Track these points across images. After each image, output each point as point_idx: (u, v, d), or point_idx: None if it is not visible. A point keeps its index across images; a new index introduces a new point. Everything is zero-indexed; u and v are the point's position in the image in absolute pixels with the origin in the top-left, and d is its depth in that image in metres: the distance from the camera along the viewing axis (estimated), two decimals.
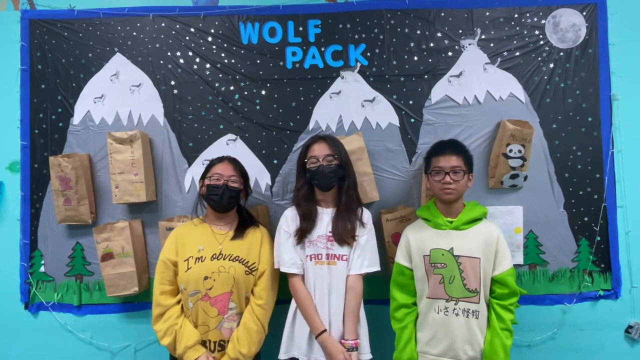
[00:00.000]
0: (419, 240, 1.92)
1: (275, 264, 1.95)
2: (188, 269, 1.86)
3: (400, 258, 1.96)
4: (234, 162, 2.02)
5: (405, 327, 1.89)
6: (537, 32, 2.34)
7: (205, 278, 1.84)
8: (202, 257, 1.88)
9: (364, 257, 1.94)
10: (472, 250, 1.84)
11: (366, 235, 1.96)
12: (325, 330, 1.85)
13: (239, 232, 1.97)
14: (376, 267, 1.96)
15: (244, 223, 2.02)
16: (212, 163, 2.01)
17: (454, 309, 1.83)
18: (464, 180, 1.88)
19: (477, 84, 2.33)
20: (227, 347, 1.84)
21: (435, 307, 1.85)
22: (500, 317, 1.82)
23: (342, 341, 1.84)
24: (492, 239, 1.86)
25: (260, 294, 1.91)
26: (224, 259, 1.88)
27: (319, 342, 1.85)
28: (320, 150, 1.96)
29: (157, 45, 2.37)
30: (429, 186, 1.98)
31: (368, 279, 1.98)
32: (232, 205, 1.98)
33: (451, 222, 1.89)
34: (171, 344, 1.82)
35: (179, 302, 1.89)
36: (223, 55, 2.37)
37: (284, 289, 1.99)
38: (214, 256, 1.88)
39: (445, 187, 1.85)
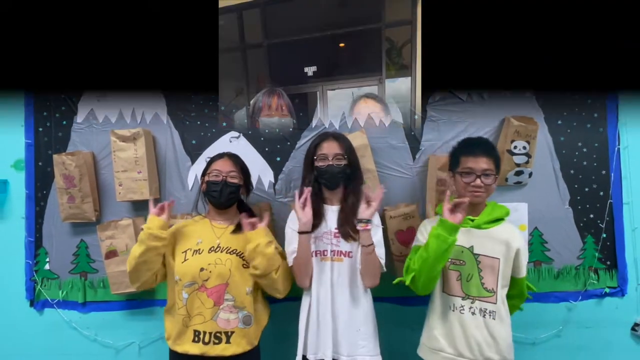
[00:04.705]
0: None
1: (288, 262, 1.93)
2: (185, 260, 1.86)
3: (422, 240, 1.83)
4: (234, 158, 2.01)
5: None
6: None
7: (202, 270, 1.84)
8: (200, 249, 1.88)
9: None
10: (492, 250, 1.80)
11: (372, 230, 1.91)
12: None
13: (240, 226, 1.95)
14: (382, 260, 1.90)
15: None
16: (213, 160, 2.01)
17: (471, 307, 1.80)
18: (494, 185, 1.82)
19: None
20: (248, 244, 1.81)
21: (451, 304, 1.82)
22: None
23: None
24: (514, 242, 1.81)
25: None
26: (220, 252, 1.89)
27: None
28: (329, 149, 1.93)
29: None
30: (452, 182, 1.90)
31: None
32: (232, 201, 1.97)
33: (472, 220, 1.84)
34: (136, 248, 1.82)
35: None
36: None
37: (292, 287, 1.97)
38: (212, 249, 1.89)
39: (474, 190, 1.78)
